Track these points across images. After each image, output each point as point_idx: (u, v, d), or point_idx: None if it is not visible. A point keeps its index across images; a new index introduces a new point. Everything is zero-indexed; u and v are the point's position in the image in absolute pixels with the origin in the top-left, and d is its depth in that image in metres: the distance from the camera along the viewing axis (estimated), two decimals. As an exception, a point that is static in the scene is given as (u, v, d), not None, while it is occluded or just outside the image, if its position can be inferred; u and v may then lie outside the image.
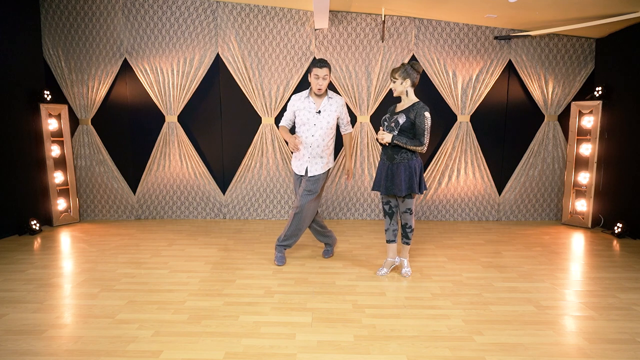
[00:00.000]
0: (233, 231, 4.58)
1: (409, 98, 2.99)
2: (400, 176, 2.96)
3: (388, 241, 3.26)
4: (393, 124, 2.97)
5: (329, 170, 3.42)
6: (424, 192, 3.11)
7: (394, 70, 2.98)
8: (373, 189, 3.20)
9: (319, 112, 3.27)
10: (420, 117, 2.88)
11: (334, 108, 3.30)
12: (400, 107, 3.04)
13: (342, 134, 3.53)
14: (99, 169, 5.03)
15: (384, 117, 3.09)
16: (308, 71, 3.28)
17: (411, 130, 2.94)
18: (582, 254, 3.82)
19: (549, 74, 4.86)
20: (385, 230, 3.25)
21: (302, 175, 3.40)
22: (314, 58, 3.27)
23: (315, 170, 3.32)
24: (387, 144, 2.99)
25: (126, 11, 4.78)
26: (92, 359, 2.08)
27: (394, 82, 2.98)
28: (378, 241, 4.14)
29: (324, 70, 3.15)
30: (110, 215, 5.15)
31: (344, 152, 3.13)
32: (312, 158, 3.31)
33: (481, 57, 4.83)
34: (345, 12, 4.76)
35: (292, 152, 3.42)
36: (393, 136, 2.93)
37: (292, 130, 3.49)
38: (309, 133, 3.28)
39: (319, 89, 3.20)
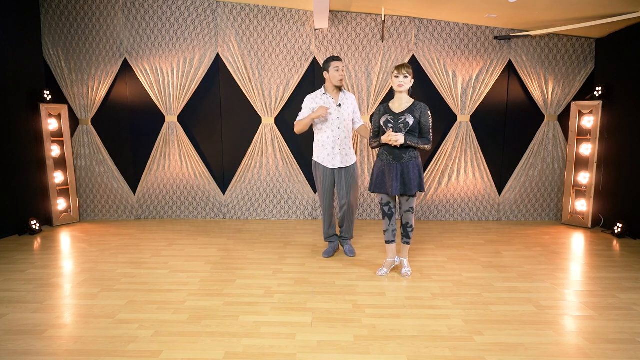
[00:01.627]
0: (233, 231, 4.58)
1: (408, 98, 3.00)
2: (410, 175, 2.96)
3: (388, 242, 3.25)
4: (402, 125, 2.93)
5: (357, 161, 3.60)
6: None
7: (406, 67, 2.91)
8: (374, 191, 3.14)
9: (340, 105, 3.42)
10: (425, 116, 2.93)
11: (350, 101, 3.49)
12: (397, 107, 3.00)
13: (357, 128, 3.60)
14: (99, 169, 5.03)
15: (385, 119, 3.01)
16: (324, 69, 3.43)
17: (417, 129, 2.95)
18: (582, 254, 3.82)
19: (549, 74, 4.86)
20: (385, 231, 3.24)
21: (334, 169, 3.50)
22: (329, 56, 3.42)
23: (349, 160, 3.49)
24: (399, 146, 2.94)
25: (126, 11, 4.78)
26: (92, 359, 2.08)
27: (406, 77, 2.92)
28: (378, 241, 4.14)
29: (342, 64, 3.38)
30: (110, 215, 5.15)
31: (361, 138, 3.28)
32: (342, 149, 3.46)
33: (481, 57, 4.83)
34: (345, 12, 4.76)
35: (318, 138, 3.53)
36: (405, 137, 2.92)
37: (310, 132, 3.61)
38: (334, 126, 3.42)
39: (341, 80, 3.37)
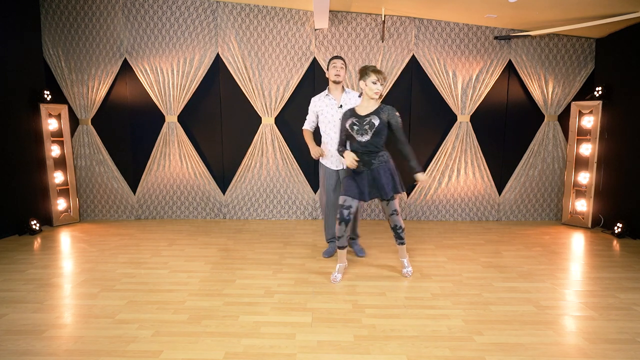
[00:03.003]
0: (233, 231, 4.58)
1: (375, 101, 3.00)
2: (382, 180, 2.96)
3: (340, 247, 3.12)
4: (367, 127, 2.92)
5: None
6: (403, 192, 3.12)
7: (380, 72, 2.92)
8: (344, 195, 3.02)
9: (341, 106, 3.42)
10: (394, 118, 2.94)
11: (353, 102, 3.43)
12: (363, 110, 2.99)
13: None
14: (99, 169, 5.03)
15: (350, 122, 2.98)
16: (327, 69, 3.50)
17: (383, 131, 2.95)
18: (582, 254, 3.82)
19: (549, 74, 4.86)
20: (339, 238, 3.07)
21: (337, 170, 3.50)
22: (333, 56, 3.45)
23: None
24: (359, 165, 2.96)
25: (126, 11, 4.78)
26: (92, 359, 2.08)
27: (383, 84, 2.95)
28: (377, 241, 4.14)
29: (340, 61, 3.40)
30: (110, 215, 5.15)
31: None
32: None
33: (481, 57, 4.83)
34: (345, 12, 4.76)
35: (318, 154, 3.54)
36: (414, 166, 2.99)
37: (317, 133, 3.60)
38: (336, 128, 3.42)
39: (337, 75, 3.38)
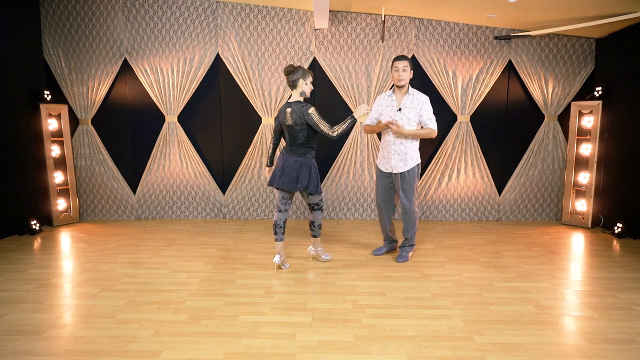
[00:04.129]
0: (233, 231, 4.58)
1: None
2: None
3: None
4: None
5: (417, 165, 3.41)
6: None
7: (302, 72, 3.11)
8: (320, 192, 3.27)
9: (400, 109, 3.32)
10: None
11: (414, 105, 3.32)
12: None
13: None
14: (99, 169, 5.03)
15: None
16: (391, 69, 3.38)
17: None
18: (582, 254, 3.82)
19: (549, 74, 4.86)
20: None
21: (389, 173, 3.45)
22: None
23: (401, 167, 3.36)
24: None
25: (126, 11, 4.78)
26: (92, 359, 2.08)
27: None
28: (378, 241, 4.14)
29: (403, 62, 3.23)
30: (110, 215, 5.15)
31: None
32: (396, 155, 3.36)
33: (481, 57, 4.83)
34: (345, 12, 4.76)
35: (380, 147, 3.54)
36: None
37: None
38: (392, 130, 3.32)
39: (399, 80, 3.26)
